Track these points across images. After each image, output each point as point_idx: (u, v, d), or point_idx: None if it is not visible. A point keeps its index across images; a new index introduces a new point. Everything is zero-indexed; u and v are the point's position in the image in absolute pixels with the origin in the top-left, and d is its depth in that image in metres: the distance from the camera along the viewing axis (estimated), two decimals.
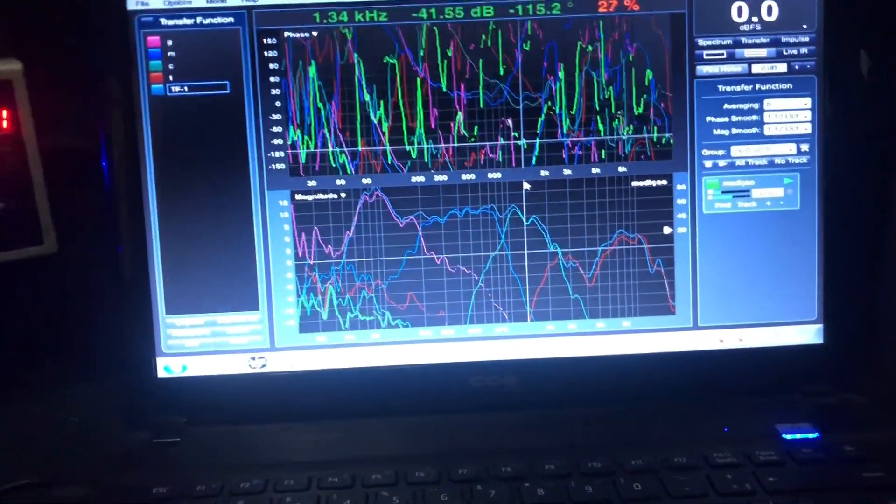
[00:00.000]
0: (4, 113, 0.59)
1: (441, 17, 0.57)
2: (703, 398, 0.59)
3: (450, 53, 0.57)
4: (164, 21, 0.56)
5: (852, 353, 0.60)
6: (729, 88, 0.58)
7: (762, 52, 0.58)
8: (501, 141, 0.58)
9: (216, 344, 0.59)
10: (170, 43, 0.57)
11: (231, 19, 0.57)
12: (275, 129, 0.57)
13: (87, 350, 0.64)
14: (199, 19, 0.57)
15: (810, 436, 0.54)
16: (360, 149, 0.58)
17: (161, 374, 0.59)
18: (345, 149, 0.58)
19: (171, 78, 0.57)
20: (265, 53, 0.57)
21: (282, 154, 0.58)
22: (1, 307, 0.64)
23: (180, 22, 0.57)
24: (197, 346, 0.59)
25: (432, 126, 0.58)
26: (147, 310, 0.58)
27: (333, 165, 0.58)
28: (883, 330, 0.62)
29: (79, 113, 0.61)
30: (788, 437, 0.54)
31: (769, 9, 0.58)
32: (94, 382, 0.64)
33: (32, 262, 0.62)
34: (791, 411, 0.57)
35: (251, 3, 0.57)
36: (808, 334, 0.60)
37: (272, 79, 0.57)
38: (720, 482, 0.50)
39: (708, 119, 0.58)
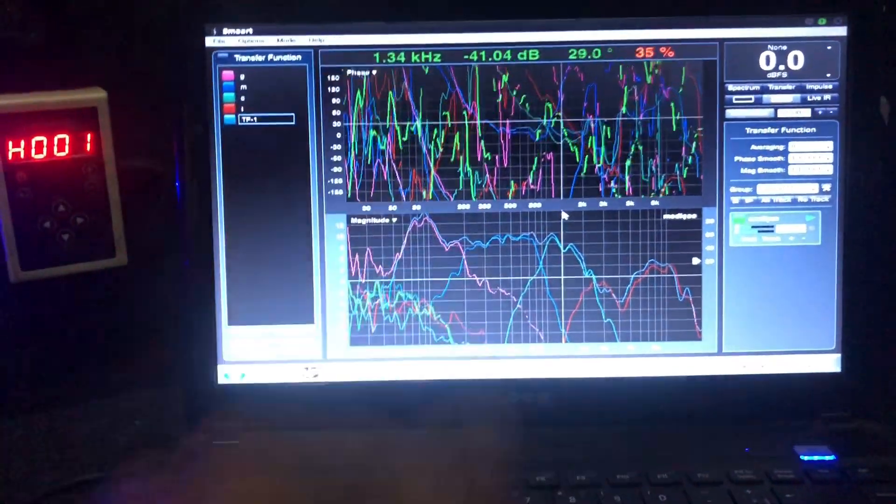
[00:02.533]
0: (89, 136, 0.64)
1: (490, 59, 0.62)
2: (725, 420, 0.61)
3: (497, 92, 0.62)
4: (238, 57, 0.62)
5: (868, 381, 0.62)
6: (756, 131, 0.62)
7: (788, 98, 0.62)
8: (542, 174, 0.63)
9: (273, 354, 0.63)
10: (242, 77, 0.62)
11: (299, 57, 0.62)
12: (335, 157, 0.62)
13: (152, 357, 0.69)
14: (269, 56, 0.62)
15: (827, 458, 0.57)
16: (411, 178, 0.63)
17: (221, 380, 0.63)
18: (398, 178, 0.62)
19: (242, 109, 0.62)
20: (329, 89, 0.62)
21: (340, 181, 0.62)
22: (75, 314, 0.69)
23: (253, 58, 0.62)
24: (255, 355, 0.63)
25: (478, 158, 0.62)
26: (210, 320, 0.62)
27: (387, 192, 0.63)
28: None
29: (155, 138, 0.66)
30: (806, 458, 0.57)
31: (795, 58, 0.62)
32: (159, 387, 0.68)
33: (105, 274, 0.67)
34: (809, 435, 0.60)
35: (318, 44, 0.62)
36: (827, 363, 0.63)
37: (334, 112, 0.62)
38: (740, 496, 0.53)
39: (736, 158, 0.62)
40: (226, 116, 0.62)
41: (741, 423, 0.61)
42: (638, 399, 0.62)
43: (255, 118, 0.62)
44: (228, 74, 0.62)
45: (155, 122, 0.65)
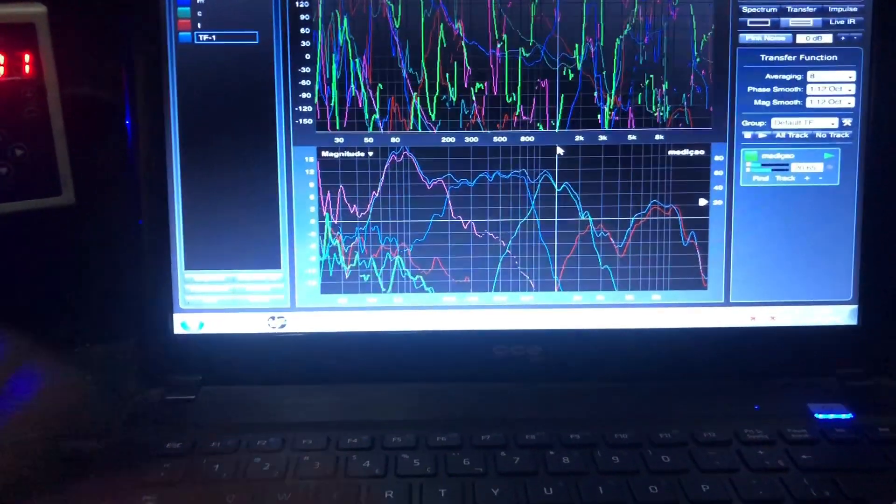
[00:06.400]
0: (27, 57, 0.57)
1: None
2: (732, 375, 0.58)
3: (486, 10, 0.56)
4: None
5: (887, 335, 0.58)
6: (772, 58, 0.57)
7: (808, 22, 0.57)
8: (536, 103, 0.56)
9: (235, 302, 0.58)
10: None
11: None
12: (303, 82, 0.56)
13: (103, 304, 0.63)
14: None
15: (843, 416, 0.53)
16: (389, 106, 0.56)
17: (178, 330, 0.58)
18: (374, 105, 0.56)
19: (199, 26, 0.55)
20: (296, 4, 0.55)
21: (309, 108, 0.56)
22: (16, 259, 0.63)
23: None
24: (215, 303, 0.58)
25: (465, 85, 0.56)
26: (166, 264, 0.57)
27: (362, 122, 0.56)
28: None
29: (103, 59, 0.59)
30: (821, 416, 0.53)
31: None
32: (110, 337, 0.62)
33: (50, 213, 0.61)
34: (823, 392, 0.56)
35: None
36: (843, 315, 0.58)
37: (302, 30, 0.56)
38: (752, 458, 0.49)
39: (749, 89, 0.57)
40: (180, 34, 0.55)
41: (750, 379, 0.58)
42: (637, 353, 0.58)
43: (214, 36, 0.55)
44: None
45: (103, 42, 0.59)
